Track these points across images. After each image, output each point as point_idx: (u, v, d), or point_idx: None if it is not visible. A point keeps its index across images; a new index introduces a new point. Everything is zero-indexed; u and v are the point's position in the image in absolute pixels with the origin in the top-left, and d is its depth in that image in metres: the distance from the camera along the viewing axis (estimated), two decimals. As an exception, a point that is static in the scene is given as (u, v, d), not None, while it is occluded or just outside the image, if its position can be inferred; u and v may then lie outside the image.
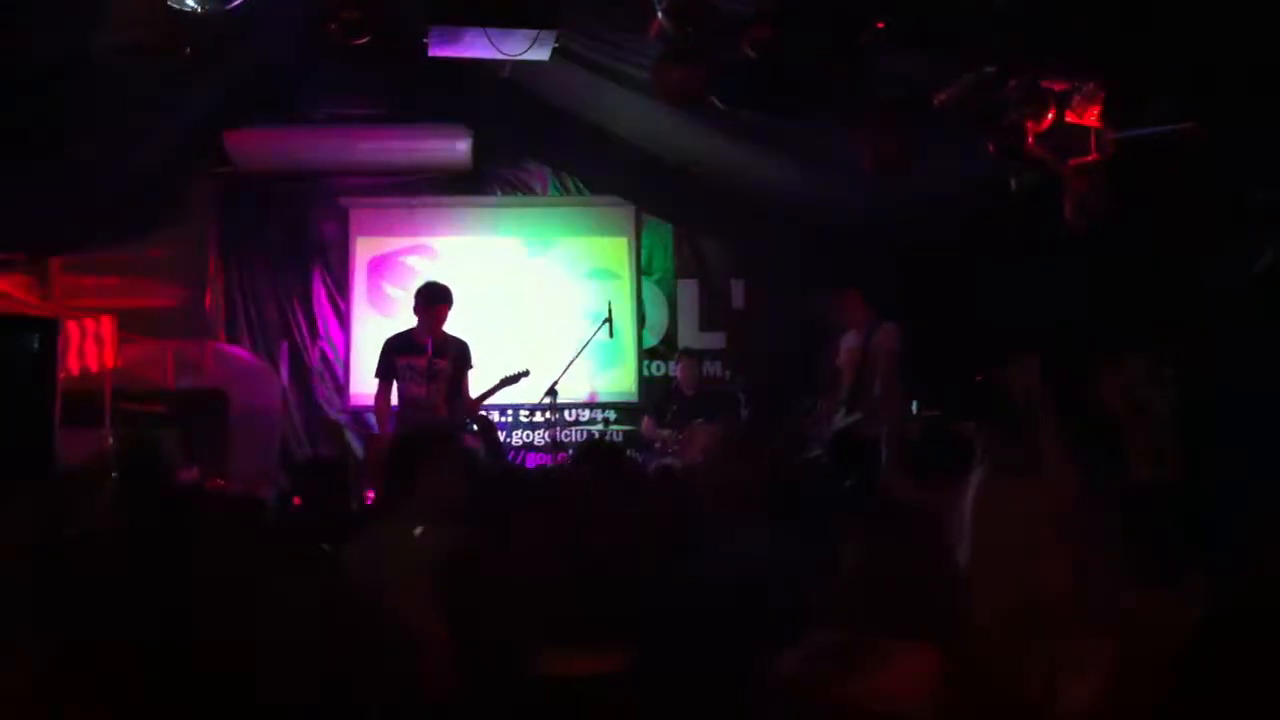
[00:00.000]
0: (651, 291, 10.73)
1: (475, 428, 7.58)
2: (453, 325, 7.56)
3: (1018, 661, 2.11)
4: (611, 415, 10.44)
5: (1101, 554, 2.31)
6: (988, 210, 7.42)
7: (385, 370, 7.40)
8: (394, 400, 7.49)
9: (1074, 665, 2.13)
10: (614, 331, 9.31)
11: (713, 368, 10.34)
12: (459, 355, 7.46)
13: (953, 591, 2.04)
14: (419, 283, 7.91)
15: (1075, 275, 7.16)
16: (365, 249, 10.47)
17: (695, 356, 9.60)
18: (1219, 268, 6.36)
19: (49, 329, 7.27)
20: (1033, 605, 2.20)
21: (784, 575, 2.45)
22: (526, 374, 8.02)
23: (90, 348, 8.03)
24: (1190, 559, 2.29)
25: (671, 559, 2.56)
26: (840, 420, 7.58)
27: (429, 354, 7.34)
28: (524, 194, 10.79)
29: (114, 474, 7.69)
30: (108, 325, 8.26)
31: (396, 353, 7.39)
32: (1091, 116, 6.26)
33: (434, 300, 7.46)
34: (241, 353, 9.99)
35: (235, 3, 4.93)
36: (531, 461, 10.09)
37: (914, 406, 7.50)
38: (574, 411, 10.32)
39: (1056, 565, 2.27)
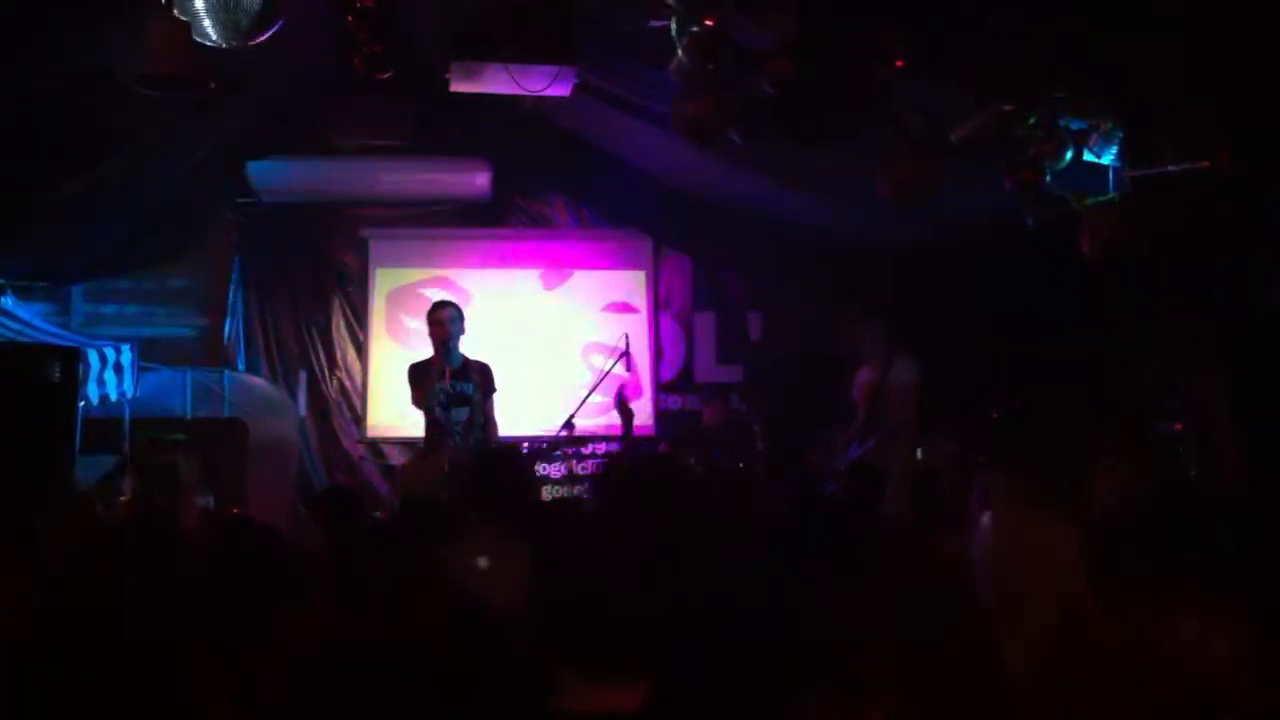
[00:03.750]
0: (669, 325, 10.76)
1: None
2: (470, 356, 7.55)
3: (1048, 706, 2.09)
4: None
5: (1134, 587, 2.30)
6: (1005, 244, 7.43)
7: (421, 397, 7.36)
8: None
9: (1105, 709, 2.12)
10: (631, 365, 9.31)
11: (732, 402, 10.35)
12: (483, 378, 7.44)
13: (973, 628, 2.03)
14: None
15: (1094, 308, 7.16)
16: (384, 280, 10.53)
17: (723, 396, 9.65)
18: (1239, 300, 6.35)
19: (70, 358, 7.31)
20: (1065, 643, 2.19)
21: (798, 608, 2.45)
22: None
23: (110, 376, 8.07)
24: (1231, 586, 2.28)
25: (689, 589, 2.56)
26: (855, 450, 7.55)
27: (452, 378, 7.32)
28: (543, 226, 10.85)
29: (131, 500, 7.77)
30: (127, 354, 8.30)
31: (422, 379, 7.37)
32: (1109, 155, 6.27)
33: (432, 311, 7.48)
34: (260, 382, 10.03)
35: (259, 38, 4.97)
36: (545, 494, 10.08)
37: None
38: (590, 444, 10.32)
39: (1088, 602, 2.26)
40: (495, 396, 7.53)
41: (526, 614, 1.97)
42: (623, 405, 7.71)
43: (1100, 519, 2.56)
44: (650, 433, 10.42)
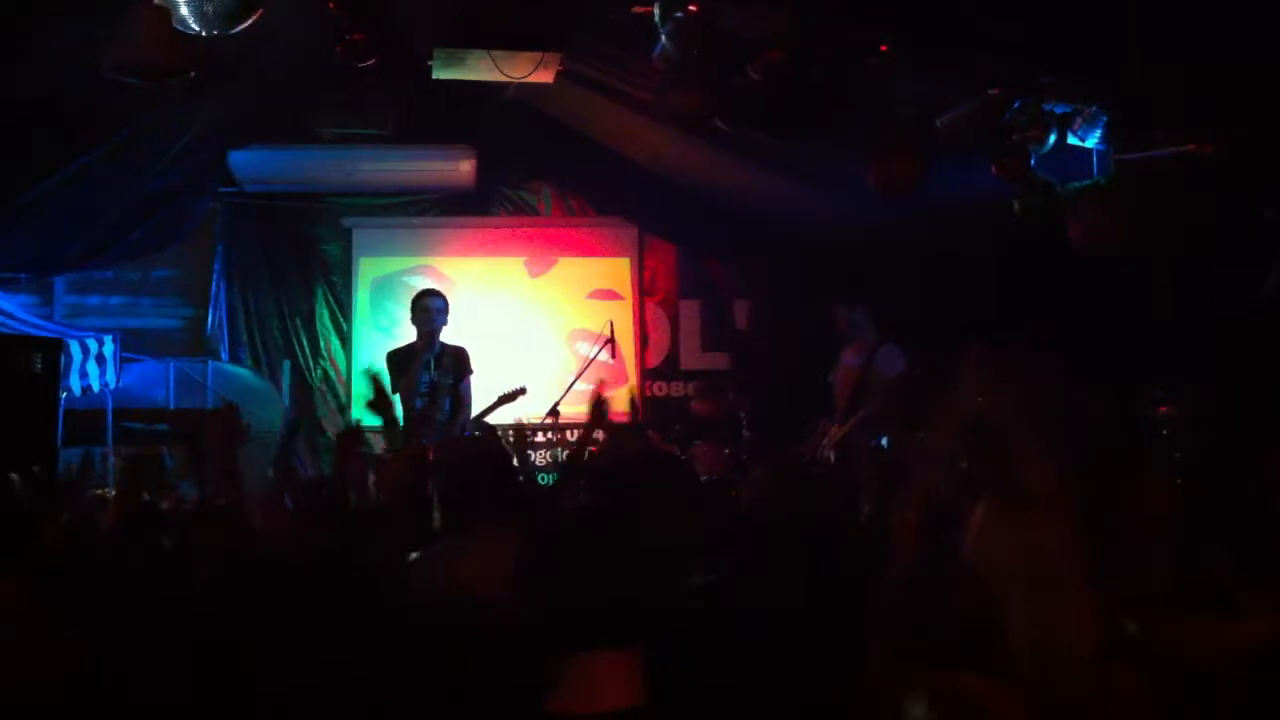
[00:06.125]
0: (654, 312, 10.75)
1: (476, 434, 7.52)
2: (448, 342, 7.51)
3: (1041, 700, 2.08)
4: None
5: (1126, 583, 2.29)
6: (992, 231, 7.42)
7: (397, 385, 7.33)
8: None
9: (1099, 701, 2.11)
10: (616, 352, 9.29)
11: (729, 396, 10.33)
12: (458, 363, 7.40)
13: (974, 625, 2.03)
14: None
15: (1079, 296, 7.16)
16: (368, 269, 10.49)
17: (721, 392, 9.64)
18: (1227, 288, 6.36)
19: (52, 349, 7.27)
20: (1050, 643, 2.18)
21: (786, 608, 2.44)
22: (524, 391, 7.94)
23: (93, 367, 8.02)
24: (1247, 579, 2.28)
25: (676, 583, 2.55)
26: (835, 433, 7.53)
27: (430, 366, 7.30)
28: (527, 214, 10.82)
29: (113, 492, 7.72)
30: (110, 345, 8.25)
31: (403, 367, 7.34)
32: (1093, 139, 6.28)
33: (419, 298, 7.44)
34: (244, 372, 9.98)
35: (241, 27, 4.93)
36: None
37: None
38: (576, 431, 10.29)
39: (1071, 600, 2.24)
40: (475, 380, 7.49)
41: (517, 603, 1.96)
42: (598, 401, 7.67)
43: (1132, 521, 2.55)
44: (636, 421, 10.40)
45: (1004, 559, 2.33)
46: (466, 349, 7.48)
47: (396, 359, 7.41)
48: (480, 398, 7.67)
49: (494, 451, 4.27)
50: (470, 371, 7.45)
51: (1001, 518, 2.44)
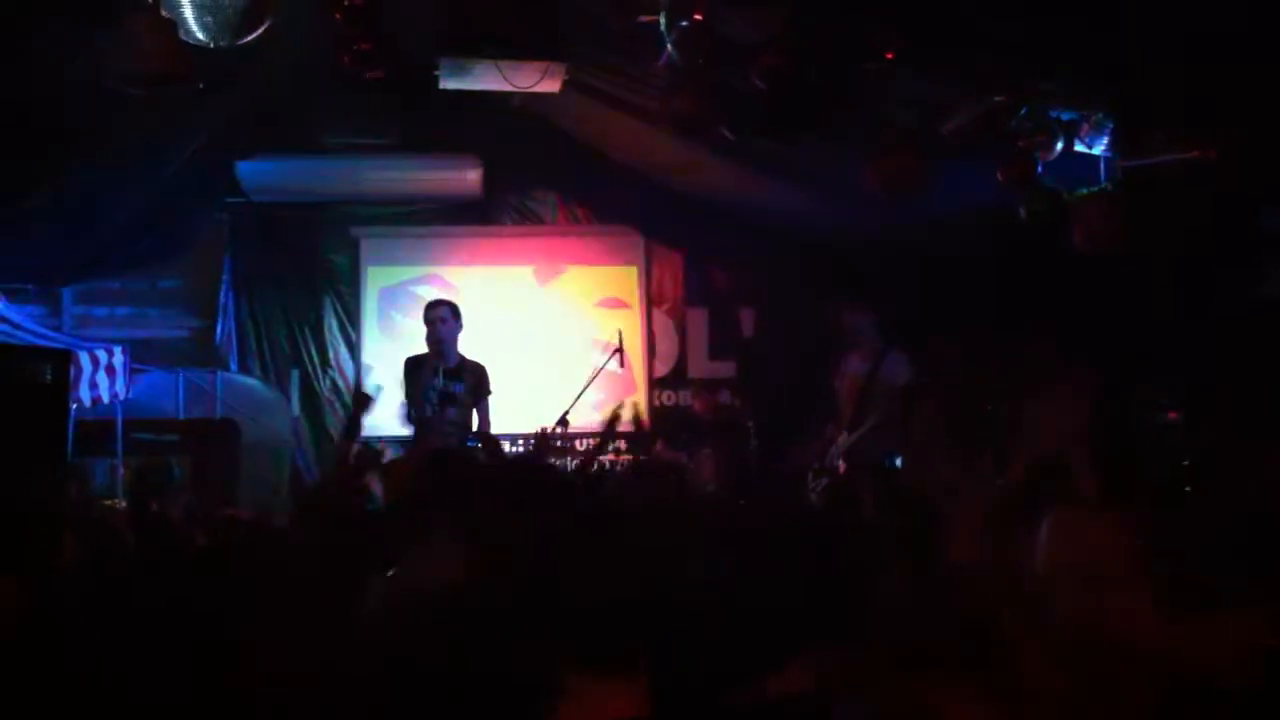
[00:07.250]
0: (661, 320, 10.75)
1: (480, 445, 7.50)
2: (469, 357, 7.51)
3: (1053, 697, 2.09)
4: (622, 444, 10.42)
5: (1143, 586, 2.29)
6: (998, 236, 7.41)
7: (412, 393, 7.33)
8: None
9: (1107, 697, 2.11)
10: (624, 361, 9.30)
11: (721, 396, 10.34)
12: (476, 380, 7.37)
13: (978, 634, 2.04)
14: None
15: (1085, 302, 7.15)
16: (376, 278, 10.52)
17: (710, 390, 9.66)
18: (1228, 292, 6.36)
19: (61, 360, 7.23)
20: (1075, 640, 2.18)
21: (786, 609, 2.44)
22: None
23: (102, 378, 8.05)
24: (1246, 585, 2.28)
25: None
26: (844, 442, 7.48)
27: (443, 376, 7.29)
28: (534, 223, 10.85)
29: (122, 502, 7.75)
30: (119, 356, 8.28)
31: (415, 374, 7.34)
32: (1100, 146, 6.27)
33: (427, 308, 7.44)
34: (252, 382, 10.01)
35: (246, 39, 4.94)
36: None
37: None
38: (584, 441, 10.29)
39: (1135, 602, 2.26)
40: (490, 397, 7.46)
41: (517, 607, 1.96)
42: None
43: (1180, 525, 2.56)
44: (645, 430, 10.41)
45: (1073, 563, 2.34)
46: (486, 368, 7.41)
47: (410, 366, 7.42)
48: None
49: (448, 457, 4.29)
50: (489, 392, 7.39)
51: (1069, 524, 2.46)
